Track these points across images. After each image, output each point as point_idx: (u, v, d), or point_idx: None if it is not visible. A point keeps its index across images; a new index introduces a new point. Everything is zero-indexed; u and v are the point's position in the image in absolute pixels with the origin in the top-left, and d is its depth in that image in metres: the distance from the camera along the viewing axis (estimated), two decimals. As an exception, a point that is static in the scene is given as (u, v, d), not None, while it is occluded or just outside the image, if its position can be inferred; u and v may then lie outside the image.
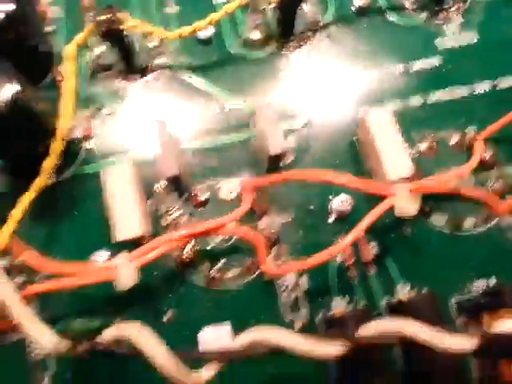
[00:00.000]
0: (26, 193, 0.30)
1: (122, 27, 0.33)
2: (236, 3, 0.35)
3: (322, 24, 0.39)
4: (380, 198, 0.32)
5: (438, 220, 0.34)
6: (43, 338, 0.25)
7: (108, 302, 0.32)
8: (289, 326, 0.32)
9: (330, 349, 0.25)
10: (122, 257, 0.29)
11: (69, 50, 0.33)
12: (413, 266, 0.34)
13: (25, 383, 0.31)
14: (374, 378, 0.30)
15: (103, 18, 0.32)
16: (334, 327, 0.31)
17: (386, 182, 0.32)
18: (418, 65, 0.39)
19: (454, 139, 0.36)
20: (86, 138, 0.35)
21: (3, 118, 0.27)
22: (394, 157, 0.32)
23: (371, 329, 0.25)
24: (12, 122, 0.28)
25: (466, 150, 0.36)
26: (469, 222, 0.34)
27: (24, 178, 0.33)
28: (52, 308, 0.31)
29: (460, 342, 0.23)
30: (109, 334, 0.25)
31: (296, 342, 0.25)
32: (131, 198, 0.31)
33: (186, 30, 0.34)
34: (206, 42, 0.38)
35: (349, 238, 0.30)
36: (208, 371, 0.24)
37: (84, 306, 0.32)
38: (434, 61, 0.39)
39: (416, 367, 0.30)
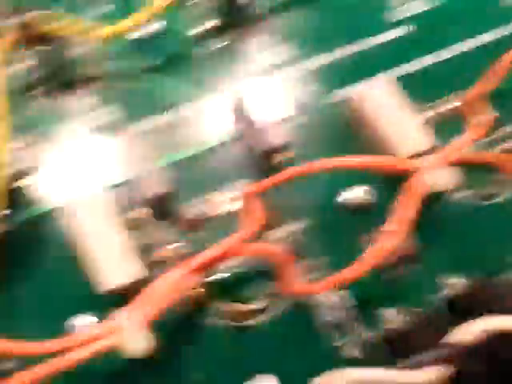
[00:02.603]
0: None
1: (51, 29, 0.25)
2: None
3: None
4: (397, 179, 0.27)
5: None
6: None
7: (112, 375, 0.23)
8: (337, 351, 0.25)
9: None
10: (122, 316, 0.21)
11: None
12: (458, 251, 0.28)
13: None
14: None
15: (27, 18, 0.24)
16: (397, 343, 0.25)
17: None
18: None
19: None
20: (30, 172, 0.27)
21: None
22: (404, 131, 0.28)
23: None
24: None
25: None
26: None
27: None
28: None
29: None
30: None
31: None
32: (112, 234, 0.23)
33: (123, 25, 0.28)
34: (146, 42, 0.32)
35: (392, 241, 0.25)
36: None
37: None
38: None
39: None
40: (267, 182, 0.27)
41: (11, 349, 0.20)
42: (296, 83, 0.32)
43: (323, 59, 0.33)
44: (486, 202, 0.29)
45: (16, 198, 0.26)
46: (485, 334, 0.20)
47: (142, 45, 0.32)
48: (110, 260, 0.22)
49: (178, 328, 0.25)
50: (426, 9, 0.36)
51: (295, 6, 0.35)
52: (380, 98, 0.29)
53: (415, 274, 0.28)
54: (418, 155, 0.28)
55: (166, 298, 0.21)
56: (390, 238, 0.25)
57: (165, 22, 0.32)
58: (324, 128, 0.31)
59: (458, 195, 0.29)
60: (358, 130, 0.31)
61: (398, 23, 0.35)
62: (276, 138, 0.27)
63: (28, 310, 0.25)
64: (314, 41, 0.34)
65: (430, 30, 0.35)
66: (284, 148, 0.28)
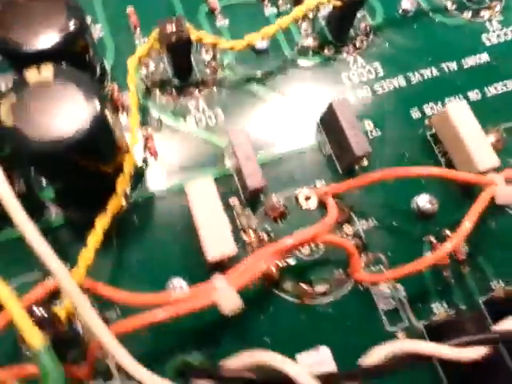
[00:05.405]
0: (101, 217, 0.28)
1: (190, 38, 0.31)
2: (289, 17, 0.34)
3: (372, 27, 0.39)
4: (465, 194, 0.33)
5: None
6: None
7: (194, 334, 0.30)
8: (391, 336, 0.30)
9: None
10: (219, 279, 0.26)
11: (131, 62, 0.31)
12: (505, 262, 0.32)
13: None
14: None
15: (172, 28, 0.30)
16: (440, 332, 0.30)
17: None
18: (470, 61, 0.39)
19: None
20: (152, 156, 0.33)
21: (90, 138, 0.24)
22: (480, 148, 0.32)
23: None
24: (96, 142, 0.25)
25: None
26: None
27: (84, 208, 0.31)
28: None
29: None
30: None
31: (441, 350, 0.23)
32: (219, 214, 0.29)
33: (253, 37, 0.33)
34: (262, 52, 0.37)
35: (454, 241, 0.29)
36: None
37: (168, 339, 0.29)
38: (484, 56, 0.39)
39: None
40: (345, 184, 0.32)
41: (121, 297, 0.26)
42: (381, 99, 0.37)
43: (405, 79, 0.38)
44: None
45: (139, 178, 0.33)
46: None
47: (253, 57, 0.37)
48: (213, 237, 0.28)
49: (255, 299, 0.31)
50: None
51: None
52: (460, 117, 0.33)
53: (463, 276, 0.32)
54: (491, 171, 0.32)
55: (252, 273, 0.26)
56: (449, 243, 0.29)
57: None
58: (401, 142, 0.36)
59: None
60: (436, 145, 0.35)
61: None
62: (362, 148, 0.31)
63: (136, 269, 0.31)
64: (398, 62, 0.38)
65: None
66: (364, 157, 0.33)
